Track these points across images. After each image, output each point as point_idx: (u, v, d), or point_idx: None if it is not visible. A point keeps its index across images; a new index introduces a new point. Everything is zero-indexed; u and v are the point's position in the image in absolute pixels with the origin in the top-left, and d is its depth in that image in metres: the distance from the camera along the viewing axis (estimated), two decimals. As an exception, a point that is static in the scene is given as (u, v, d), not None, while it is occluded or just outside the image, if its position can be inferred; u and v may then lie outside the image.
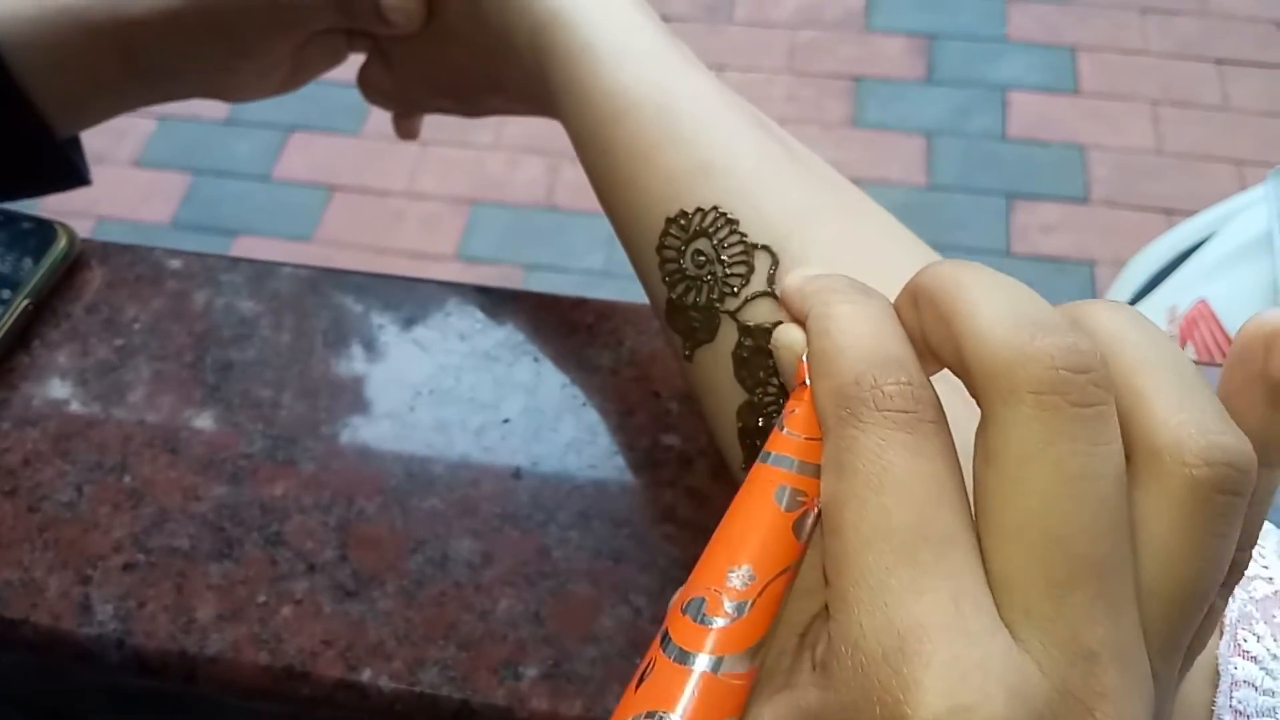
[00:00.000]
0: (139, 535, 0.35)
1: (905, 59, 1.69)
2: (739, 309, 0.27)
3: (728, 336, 0.28)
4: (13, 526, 0.36)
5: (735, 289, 0.28)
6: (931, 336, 0.19)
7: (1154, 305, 1.00)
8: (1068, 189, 1.53)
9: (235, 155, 1.63)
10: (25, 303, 0.40)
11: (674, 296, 0.29)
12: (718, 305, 0.28)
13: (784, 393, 0.27)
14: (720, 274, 0.28)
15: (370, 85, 0.45)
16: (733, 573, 0.19)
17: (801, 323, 0.21)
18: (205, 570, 0.34)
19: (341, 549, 0.35)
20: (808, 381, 0.20)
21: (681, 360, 0.30)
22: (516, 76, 0.36)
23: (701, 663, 0.18)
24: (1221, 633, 0.25)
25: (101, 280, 0.42)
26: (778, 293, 0.27)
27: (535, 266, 1.51)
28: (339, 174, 1.61)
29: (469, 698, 0.32)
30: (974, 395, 0.18)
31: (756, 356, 0.27)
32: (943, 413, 0.18)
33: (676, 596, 0.19)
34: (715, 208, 0.28)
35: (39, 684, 0.42)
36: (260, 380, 0.39)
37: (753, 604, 0.18)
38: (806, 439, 0.20)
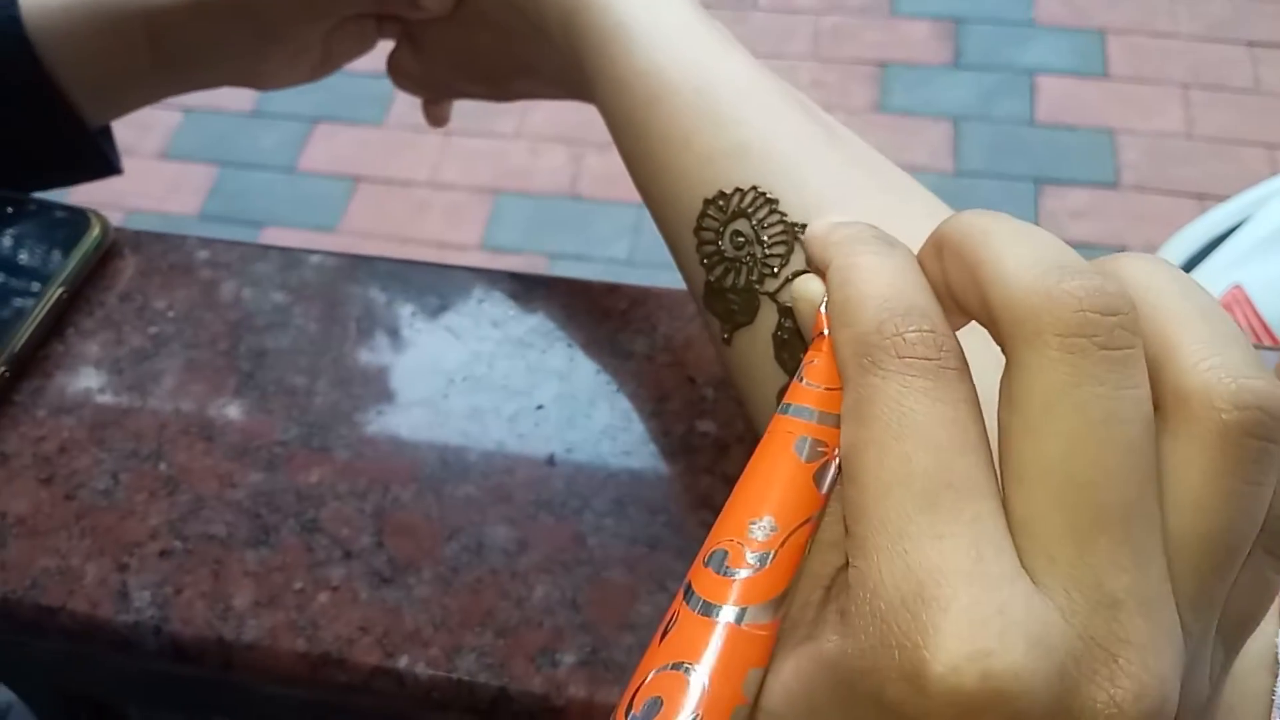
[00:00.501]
0: (175, 522, 0.35)
1: (931, 43, 1.67)
2: (779, 290, 0.27)
3: (767, 318, 0.27)
4: (49, 514, 0.36)
5: (775, 270, 0.27)
6: (956, 286, 0.19)
7: (1187, 291, 0.98)
8: (1097, 174, 1.51)
9: (261, 147, 1.63)
10: (59, 291, 0.40)
11: (712, 279, 0.29)
12: (757, 287, 0.28)
13: None
14: (760, 255, 0.27)
15: (399, 71, 0.45)
16: (754, 524, 0.18)
17: (822, 273, 0.21)
18: (242, 557, 0.34)
19: (377, 536, 0.35)
20: (826, 332, 0.20)
21: (719, 343, 0.29)
22: (549, 60, 0.36)
23: (725, 614, 0.18)
24: None
25: (134, 269, 0.42)
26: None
27: (560, 255, 1.50)
28: (363, 165, 1.61)
29: (506, 684, 0.32)
30: (999, 341, 0.18)
31: (797, 338, 0.27)
32: (965, 361, 0.18)
33: (700, 549, 0.19)
34: (754, 188, 0.28)
35: (76, 671, 0.42)
36: (294, 368, 0.39)
37: (775, 555, 0.18)
38: (826, 389, 0.19)
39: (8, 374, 0.38)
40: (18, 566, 0.35)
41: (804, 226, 0.27)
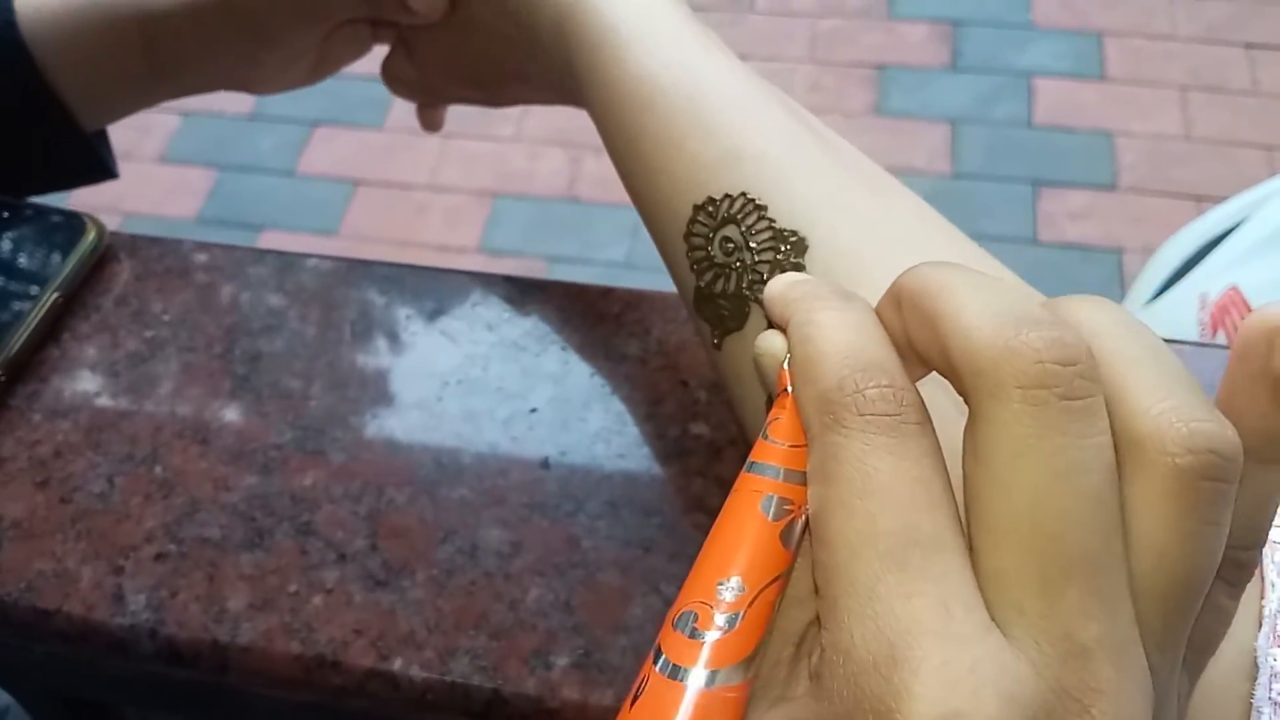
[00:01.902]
0: (170, 525, 0.35)
1: (929, 46, 1.68)
2: None
3: (757, 324, 0.28)
4: (45, 517, 0.36)
5: (764, 276, 0.27)
6: (916, 339, 0.19)
7: (1184, 292, 0.99)
8: (1095, 176, 1.51)
9: (260, 150, 1.64)
10: (55, 296, 0.40)
11: (702, 285, 0.29)
12: (746, 293, 0.28)
13: None
14: (749, 261, 0.28)
15: (394, 76, 0.45)
16: (722, 585, 0.18)
17: (783, 329, 0.21)
18: (236, 560, 0.34)
19: (372, 539, 0.35)
20: (790, 389, 0.20)
21: (710, 349, 0.30)
22: (541, 65, 0.36)
23: (695, 678, 0.18)
24: (1260, 624, 0.25)
25: (130, 273, 0.42)
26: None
27: (558, 258, 1.51)
28: (362, 168, 1.61)
29: (500, 687, 0.32)
30: (962, 394, 0.18)
31: None
32: (927, 415, 0.18)
33: (669, 611, 0.19)
34: (744, 194, 0.28)
35: (72, 674, 0.42)
36: (289, 371, 0.39)
37: (744, 615, 0.18)
38: (791, 446, 0.19)
39: (3, 378, 0.38)
40: (13, 569, 0.35)
41: (793, 233, 0.27)
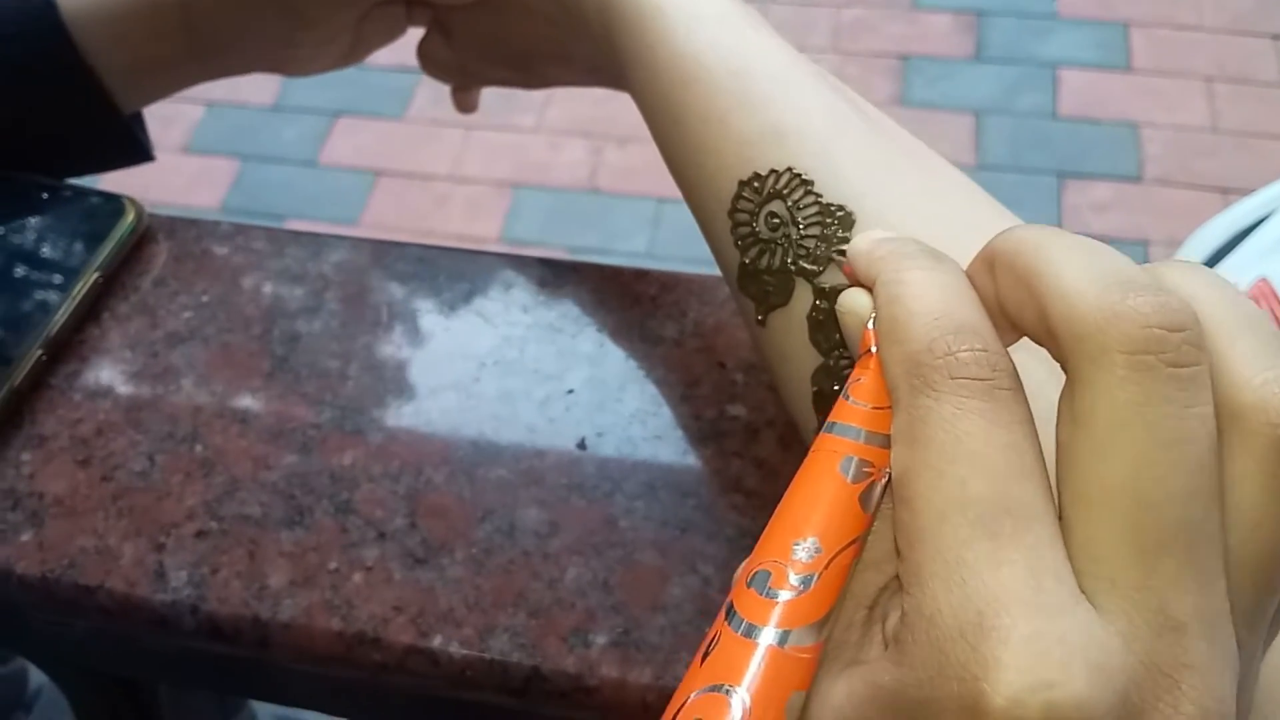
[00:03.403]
0: (211, 503, 0.35)
1: (953, 36, 1.67)
2: (814, 271, 0.27)
3: (802, 300, 0.28)
4: (87, 495, 0.36)
5: (810, 251, 0.27)
6: (1009, 302, 0.19)
7: (1212, 284, 0.98)
8: (1120, 168, 1.50)
9: (282, 140, 1.64)
10: (95, 276, 0.40)
11: (747, 261, 0.29)
12: (792, 268, 0.28)
13: None
14: (795, 236, 0.28)
15: (429, 58, 0.45)
16: (798, 545, 0.18)
17: (868, 288, 0.21)
18: (277, 537, 0.35)
19: (410, 517, 0.35)
20: (874, 349, 0.20)
21: (753, 326, 0.30)
22: (583, 46, 0.36)
23: (768, 636, 0.18)
24: None
25: (169, 254, 0.42)
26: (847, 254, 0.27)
27: (579, 249, 1.51)
28: (384, 158, 1.62)
29: (539, 664, 0.32)
30: (1060, 359, 0.17)
31: (833, 320, 0.27)
32: (1019, 381, 0.18)
33: (741, 569, 0.19)
34: (790, 169, 0.28)
35: (109, 652, 0.43)
36: (327, 352, 0.39)
37: (819, 577, 0.18)
38: (874, 408, 0.19)
39: (45, 358, 0.39)
40: (56, 546, 0.35)
41: (840, 207, 0.27)
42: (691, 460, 0.36)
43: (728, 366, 0.38)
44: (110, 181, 0.48)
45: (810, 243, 0.27)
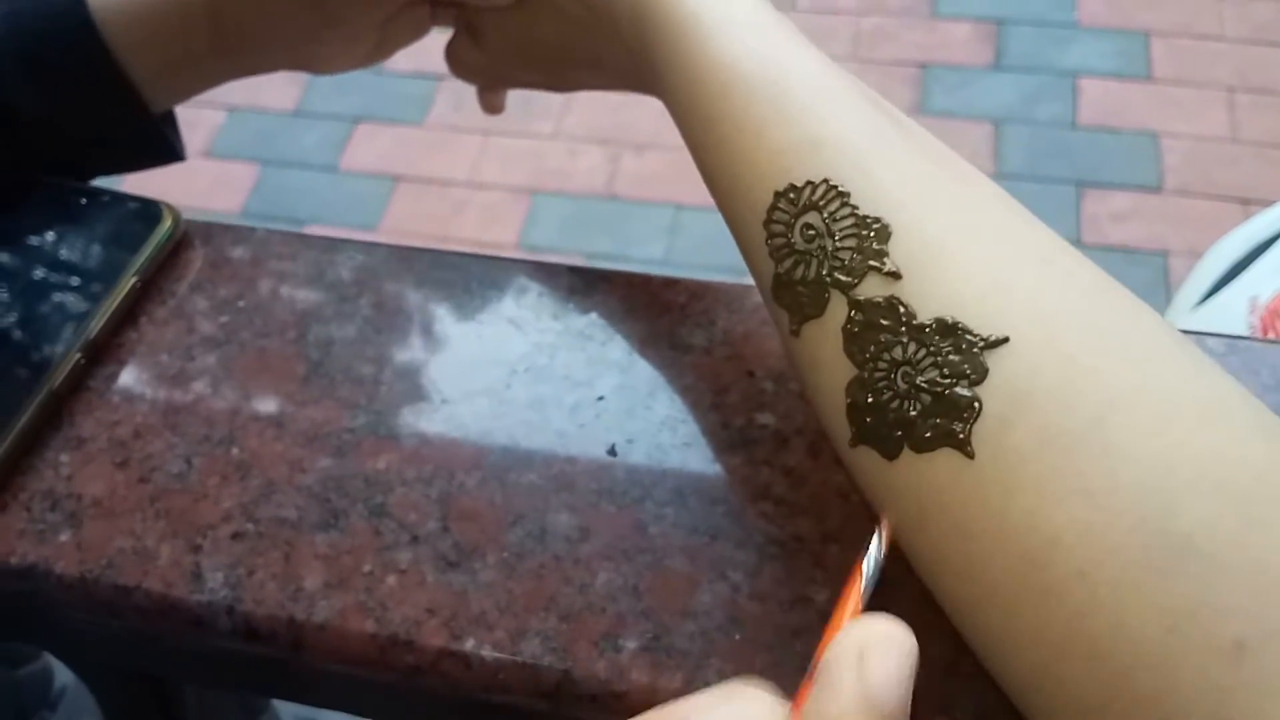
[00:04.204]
0: (247, 505, 0.36)
1: (972, 45, 1.67)
2: (850, 283, 0.27)
3: (837, 311, 0.28)
4: (124, 497, 0.37)
5: (846, 262, 0.28)
6: None
7: (1234, 295, 0.98)
8: (1140, 177, 1.50)
9: (303, 146, 1.65)
10: (133, 281, 0.41)
11: (781, 271, 0.29)
12: (827, 279, 0.28)
13: (894, 367, 0.27)
14: (830, 248, 0.28)
15: (457, 59, 0.46)
16: None
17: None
18: (312, 540, 0.35)
19: (443, 521, 0.35)
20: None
21: (786, 336, 0.30)
22: (614, 52, 0.36)
23: None
24: None
25: (204, 259, 0.43)
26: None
27: (596, 256, 1.51)
28: (403, 164, 1.63)
29: (570, 668, 0.32)
30: None
31: (867, 331, 0.27)
32: None
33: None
34: (826, 180, 0.28)
35: (144, 651, 0.43)
36: (361, 357, 0.39)
37: None
38: None
39: (84, 360, 0.39)
40: (94, 547, 0.36)
41: (876, 220, 0.27)
42: (720, 467, 0.36)
43: (757, 375, 0.38)
44: (131, 185, 0.48)
45: (846, 255, 0.28)
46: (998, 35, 1.67)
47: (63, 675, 0.70)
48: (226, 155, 1.65)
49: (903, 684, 0.19)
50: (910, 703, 0.19)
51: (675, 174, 1.54)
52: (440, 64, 0.47)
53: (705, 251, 1.40)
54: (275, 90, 1.69)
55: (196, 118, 1.66)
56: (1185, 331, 0.38)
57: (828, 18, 1.70)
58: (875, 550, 0.25)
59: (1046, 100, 1.59)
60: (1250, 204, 1.43)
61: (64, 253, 0.41)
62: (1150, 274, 1.40)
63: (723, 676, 0.32)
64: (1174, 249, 1.42)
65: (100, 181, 0.45)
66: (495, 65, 0.45)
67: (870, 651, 0.19)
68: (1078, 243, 1.42)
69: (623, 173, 1.57)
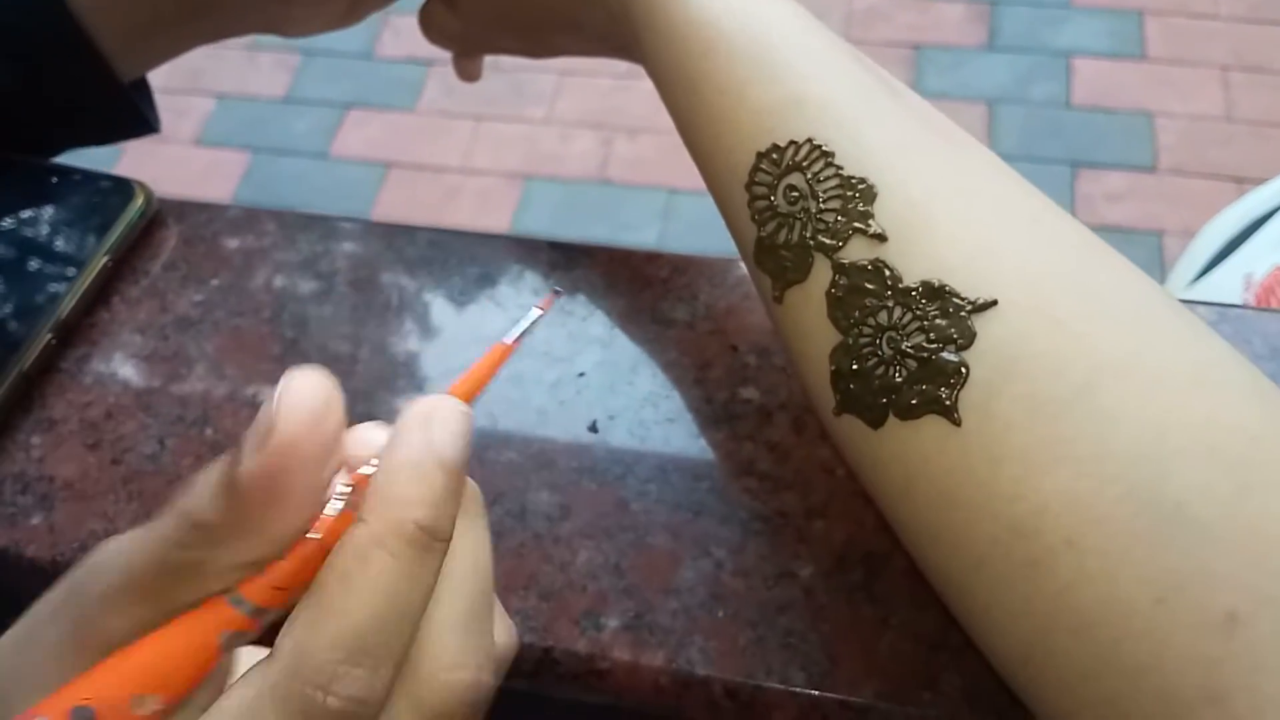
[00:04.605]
0: (221, 486, 0.35)
1: (966, 25, 1.65)
2: (834, 246, 0.27)
3: (821, 275, 0.27)
4: (97, 479, 0.36)
5: (830, 224, 0.27)
6: None
7: (1229, 272, 0.97)
8: (1134, 157, 1.49)
9: (293, 133, 1.64)
10: (105, 260, 0.40)
11: (764, 235, 0.28)
12: (810, 243, 0.27)
13: (880, 332, 0.26)
14: (814, 210, 0.27)
15: (432, 24, 0.45)
16: (139, 699, 0.19)
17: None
18: (287, 521, 0.34)
19: (421, 500, 0.34)
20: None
21: (769, 302, 0.29)
22: (594, 15, 0.35)
23: None
24: None
25: (179, 238, 0.42)
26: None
27: (589, 241, 1.50)
28: (395, 150, 1.61)
29: (551, 646, 0.32)
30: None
31: (852, 295, 0.26)
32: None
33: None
34: (810, 140, 0.27)
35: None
36: (337, 336, 0.39)
37: None
38: (275, 589, 0.20)
39: (54, 341, 0.38)
40: (66, 530, 0.35)
41: (861, 180, 0.27)
42: (703, 443, 0.36)
43: (740, 350, 0.37)
44: (120, 172, 0.47)
45: (830, 217, 0.27)
46: (991, 15, 1.66)
47: None
48: (216, 143, 1.64)
49: (462, 441, 0.21)
50: (468, 462, 0.21)
51: (668, 158, 1.53)
52: (431, 49, 0.46)
53: (699, 235, 1.39)
54: (265, 77, 1.67)
55: (186, 105, 1.65)
56: (1181, 300, 0.37)
57: (820, -1, 1.69)
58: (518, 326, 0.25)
59: (1040, 80, 1.58)
60: (1245, 182, 1.42)
61: (34, 232, 0.41)
62: (1145, 253, 1.39)
63: (705, 654, 0.31)
64: (1169, 228, 1.41)
65: (89, 167, 0.44)
66: (471, 31, 0.44)
67: (435, 416, 0.21)
68: (1072, 223, 1.41)
69: (615, 157, 1.56)
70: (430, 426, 0.21)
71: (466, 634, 0.21)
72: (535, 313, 0.25)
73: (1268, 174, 1.04)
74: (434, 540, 0.20)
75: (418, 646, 0.20)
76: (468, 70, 0.47)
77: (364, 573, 0.19)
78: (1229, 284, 0.97)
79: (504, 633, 0.24)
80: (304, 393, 0.20)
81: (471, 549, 0.22)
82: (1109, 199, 1.45)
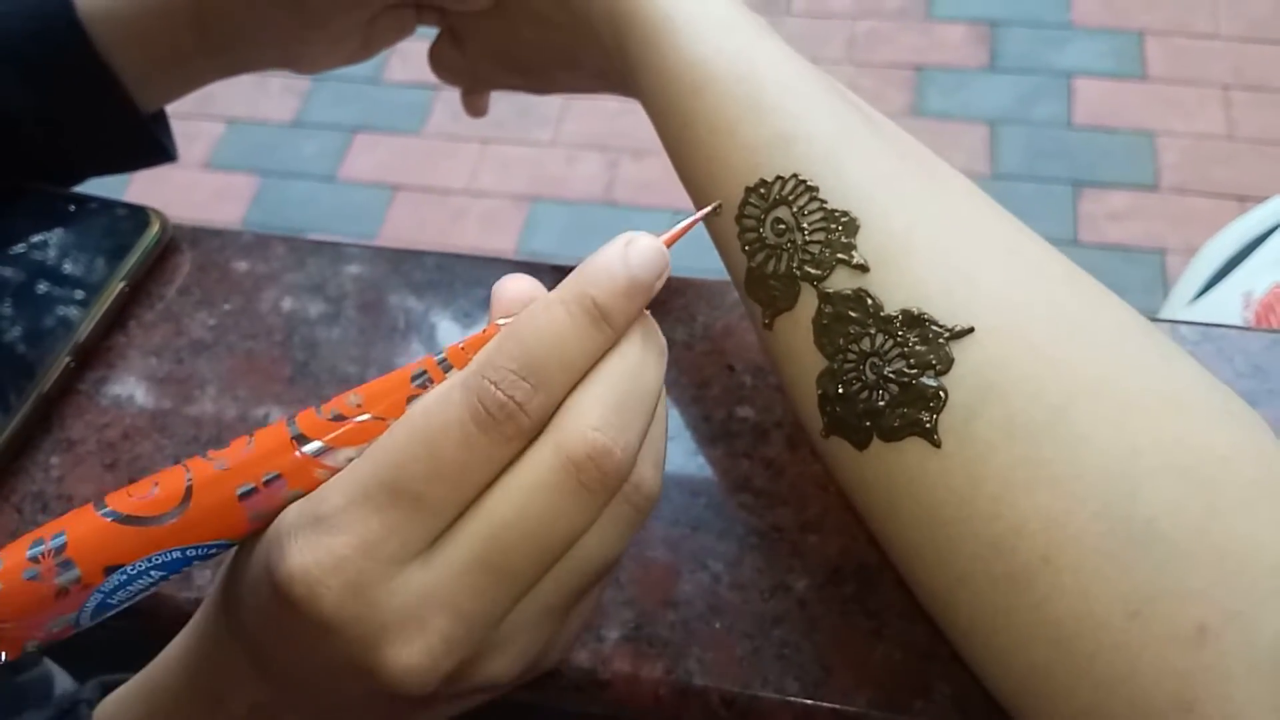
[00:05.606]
0: (234, 504, 0.36)
1: (967, 47, 1.67)
2: (819, 276, 0.28)
3: (808, 304, 0.28)
4: (114, 498, 0.37)
5: (815, 256, 0.28)
6: None
7: (1228, 290, 0.98)
8: (1136, 176, 1.50)
9: (302, 156, 1.66)
10: (121, 285, 0.41)
11: (754, 265, 0.29)
12: (797, 273, 0.28)
13: (863, 358, 0.27)
14: (800, 241, 0.28)
15: (440, 62, 0.46)
16: (351, 396, 0.25)
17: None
18: (298, 537, 0.35)
19: (427, 517, 0.36)
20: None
21: (760, 329, 0.30)
22: (592, 53, 0.37)
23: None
24: None
25: (192, 264, 0.43)
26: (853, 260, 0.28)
27: (595, 262, 1.51)
28: (402, 173, 1.63)
29: (553, 660, 0.33)
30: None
31: (837, 323, 0.28)
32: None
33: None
34: (795, 175, 0.28)
35: (137, 654, 0.43)
36: (346, 358, 0.40)
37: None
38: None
39: (73, 364, 0.40)
40: (84, 547, 0.36)
41: (844, 213, 0.28)
42: (701, 460, 0.37)
43: (737, 369, 0.39)
44: (131, 199, 0.49)
45: (815, 248, 0.28)
46: (992, 37, 1.68)
47: (63, 681, 0.70)
48: (226, 167, 1.66)
49: (653, 266, 0.24)
50: (653, 287, 0.24)
51: (673, 179, 1.53)
52: (438, 76, 0.47)
53: (702, 256, 1.40)
54: (274, 101, 1.70)
55: (196, 130, 1.67)
56: (1165, 320, 0.38)
57: (822, 21, 1.71)
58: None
59: (1042, 101, 1.59)
60: (1247, 200, 1.43)
61: (53, 258, 0.42)
62: (1148, 272, 1.40)
63: (703, 665, 0.32)
64: (1171, 247, 1.42)
65: (101, 192, 0.46)
66: (477, 67, 0.45)
67: (637, 241, 0.24)
68: (1075, 242, 1.42)
69: (621, 179, 1.58)
70: (630, 244, 0.24)
71: (613, 412, 0.23)
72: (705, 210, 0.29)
73: (1270, 192, 1.05)
74: (603, 320, 0.23)
75: (568, 406, 0.23)
76: (475, 105, 0.49)
77: (544, 315, 0.23)
78: (1229, 302, 0.98)
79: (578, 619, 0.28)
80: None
81: (637, 359, 0.24)
82: (1111, 218, 1.46)
